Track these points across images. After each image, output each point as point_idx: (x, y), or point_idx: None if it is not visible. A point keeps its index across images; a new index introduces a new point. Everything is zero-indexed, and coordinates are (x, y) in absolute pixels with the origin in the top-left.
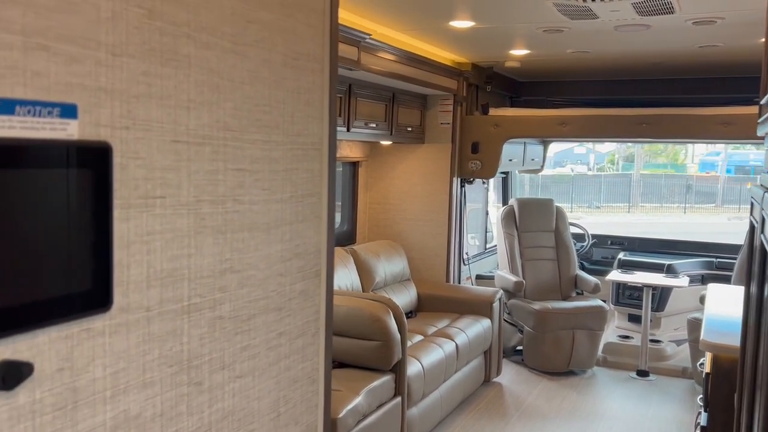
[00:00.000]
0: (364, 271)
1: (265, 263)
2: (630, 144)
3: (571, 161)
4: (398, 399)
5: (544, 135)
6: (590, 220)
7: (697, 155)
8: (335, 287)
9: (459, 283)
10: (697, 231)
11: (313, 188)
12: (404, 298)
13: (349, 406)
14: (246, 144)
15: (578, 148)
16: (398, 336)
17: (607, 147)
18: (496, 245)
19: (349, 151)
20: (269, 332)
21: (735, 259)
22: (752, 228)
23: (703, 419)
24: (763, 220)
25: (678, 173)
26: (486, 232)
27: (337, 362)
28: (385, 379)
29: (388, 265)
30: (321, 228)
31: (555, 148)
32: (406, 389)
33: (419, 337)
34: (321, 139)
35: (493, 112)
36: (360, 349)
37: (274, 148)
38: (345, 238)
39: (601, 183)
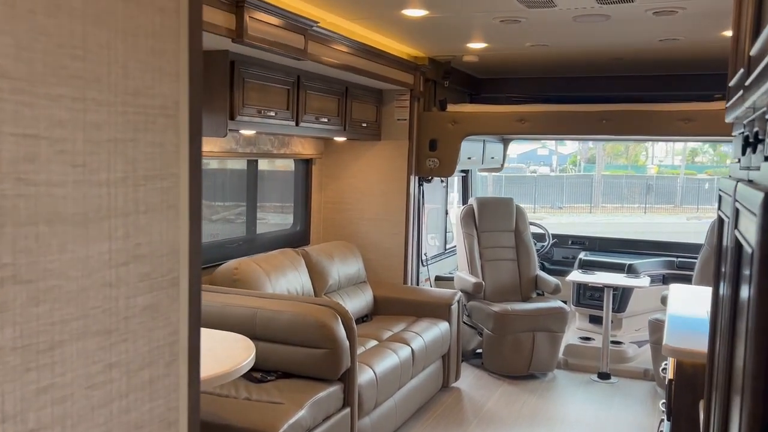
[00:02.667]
0: (316, 274)
1: (79, 269)
2: (591, 145)
3: (534, 162)
4: (347, 410)
5: (503, 132)
6: (553, 220)
7: (657, 157)
8: (283, 291)
9: (417, 284)
10: (657, 231)
11: (164, 168)
12: (359, 301)
13: (291, 421)
14: (40, 100)
15: (541, 149)
16: (347, 343)
17: (570, 148)
18: (455, 246)
19: (301, 147)
20: (90, 364)
21: (696, 258)
22: (721, 224)
23: (666, 428)
24: (737, 213)
25: (638, 174)
26: (446, 232)
27: (281, 372)
28: (333, 390)
29: (343, 267)
30: (179, 222)
31: (518, 149)
32: (357, 399)
33: (373, 342)
34: (176, 104)
35: (451, 108)
36: (305, 357)
37: (93, 110)
38: (298, 239)
39: (564, 184)
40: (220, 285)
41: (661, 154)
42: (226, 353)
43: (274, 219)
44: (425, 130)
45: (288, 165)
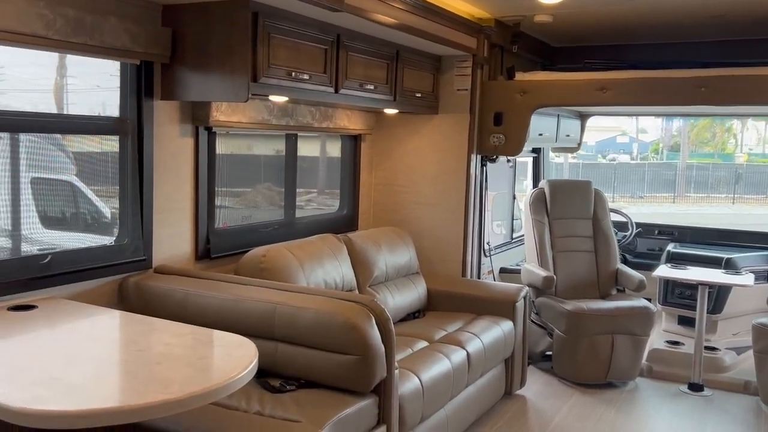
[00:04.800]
0: (359, 264)
1: None
2: (675, 132)
3: (613, 150)
4: (382, 429)
5: (580, 102)
6: (633, 210)
7: (747, 145)
8: (319, 283)
9: (478, 278)
10: (747, 222)
11: None
12: (410, 295)
13: None
14: None
15: (621, 137)
16: (382, 349)
17: (652, 136)
18: (524, 235)
19: (347, 121)
20: None
21: None
22: None
23: None
24: None
25: (726, 162)
26: (513, 219)
27: (303, 381)
28: (364, 405)
29: (391, 257)
30: None
31: (596, 136)
32: (396, 414)
33: (423, 344)
34: None
35: (519, 77)
36: (331, 364)
37: None
38: (344, 225)
39: (645, 172)
40: (246, 275)
41: (752, 141)
42: (218, 362)
43: (318, 201)
44: (489, 101)
45: (335, 150)
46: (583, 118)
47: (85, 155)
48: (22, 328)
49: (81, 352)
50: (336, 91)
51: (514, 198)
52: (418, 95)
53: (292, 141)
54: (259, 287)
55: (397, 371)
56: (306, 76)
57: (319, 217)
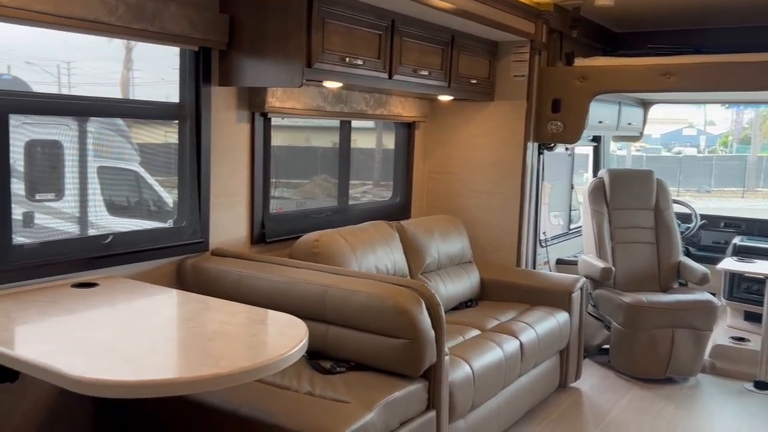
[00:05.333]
0: (411, 251)
1: None
2: (746, 124)
3: (679, 143)
4: (431, 414)
5: (642, 88)
6: (700, 204)
7: None
8: (371, 268)
9: (533, 268)
10: None
11: None
12: (462, 284)
13: (355, 426)
14: None
15: (687, 129)
16: (432, 333)
17: (720, 128)
18: (581, 226)
19: (401, 108)
20: None
21: None
22: None
23: None
24: None
25: None
26: (570, 210)
27: (353, 363)
28: (413, 389)
29: (444, 245)
30: None
31: (661, 129)
32: (446, 400)
33: (475, 332)
34: None
35: (579, 62)
36: (381, 348)
37: None
38: (397, 212)
39: (713, 166)
40: (299, 259)
41: None
42: (270, 340)
43: (373, 193)
44: (547, 88)
45: (390, 142)
46: (645, 106)
47: (148, 146)
48: (84, 304)
49: (138, 327)
50: (390, 77)
51: (572, 188)
52: (474, 81)
53: (346, 128)
54: (311, 270)
55: (447, 357)
56: (360, 62)
57: (372, 205)
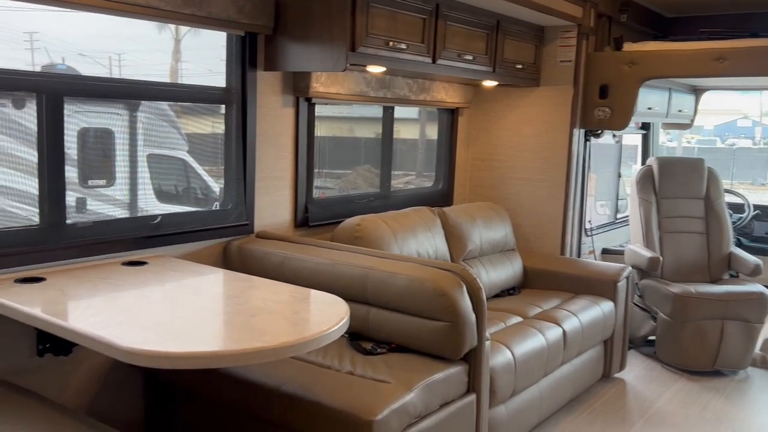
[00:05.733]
0: (453, 237)
1: None
2: None
3: (733, 135)
4: (472, 397)
5: (694, 73)
6: (753, 197)
7: None
8: (412, 254)
9: (578, 257)
10: None
11: None
12: (504, 271)
13: (395, 405)
14: None
15: (742, 120)
16: (472, 317)
17: None
18: (628, 216)
19: (444, 94)
20: None
21: None
22: None
23: None
24: None
25: None
26: (618, 199)
27: (394, 345)
28: (453, 372)
29: (486, 231)
30: None
31: (715, 120)
32: (487, 384)
33: (517, 319)
34: None
35: (627, 47)
36: (421, 330)
37: None
38: (439, 199)
39: None
40: (341, 243)
41: None
42: (312, 317)
43: (416, 184)
44: (595, 73)
45: (433, 132)
46: (697, 92)
47: (196, 136)
48: (134, 281)
49: (185, 303)
50: (433, 62)
51: (620, 177)
52: (519, 67)
53: (388, 114)
54: (353, 253)
55: (488, 342)
56: (403, 46)
57: (414, 191)
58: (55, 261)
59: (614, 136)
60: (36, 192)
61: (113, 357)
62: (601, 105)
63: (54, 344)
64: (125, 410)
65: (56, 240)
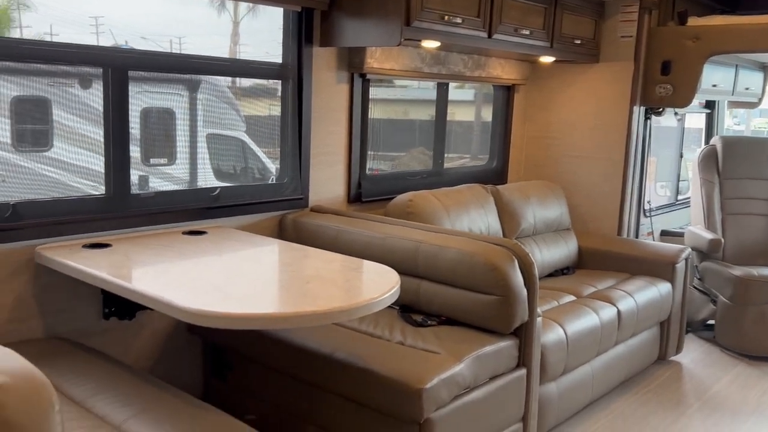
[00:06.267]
0: (506, 215)
1: None
2: None
3: None
4: (522, 371)
5: (762, 49)
6: None
7: None
8: (463, 230)
9: (636, 238)
10: None
11: None
12: (559, 251)
13: (444, 375)
14: None
15: None
16: (524, 292)
17: None
18: (690, 197)
19: (500, 70)
20: None
21: None
22: None
23: None
24: None
25: None
26: (679, 179)
27: (444, 318)
28: (503, 345)
29: (541, 210)
30: None
31: None
32: (538, 360)
33: (570, 298)
34: None
35: (692, 22)
36: (472, 303)
37: None
38: (493, 177)
39: None
40: (393, 218)
41: None
42: (363, 285)
43: (468, 163)
44: (657, 49)
45: (488, 114)
46: (766, 70)
47: (254, 117)
48: (194, 249)
49: (242, 269)
50: (489, 36)
51: (681, 157)
52: (578, 42)
53: (443, 90)
54: (405, 227)
55: (539, 318)
56: (459, 20)
57: (467, 169)
58: (120, 229)
59: (676, 114)
60: (102, 169)
61: (175, 317)
62: (663, 82)
63: (119, 308)
64: (184, 374)
65: (121, 208)
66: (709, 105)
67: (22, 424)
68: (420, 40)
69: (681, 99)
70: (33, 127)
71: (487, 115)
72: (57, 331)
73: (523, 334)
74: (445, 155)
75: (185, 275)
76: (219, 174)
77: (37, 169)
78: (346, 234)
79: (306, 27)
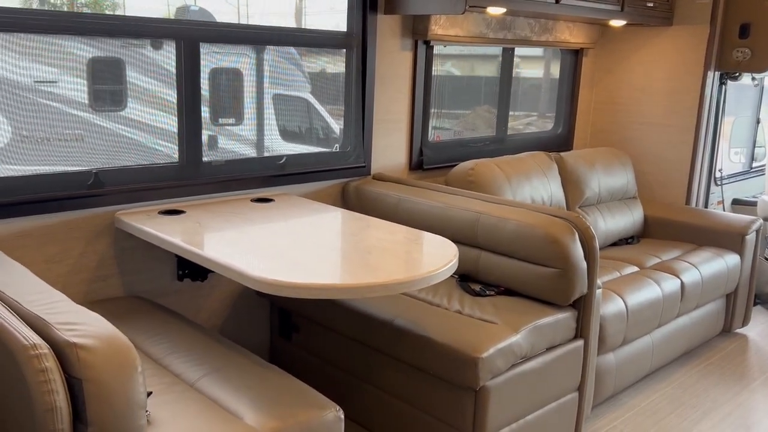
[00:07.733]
0: (570, 183)
1: None
2: None
3: None
4: (579, 342)
5: None
6: None
7: None
8: (526, 199)
9: (705, 207)
10: None
11: None
12: (623, 220)
13: (501, 345)
14: None
15: None
16: (584, 264)
17: None
18: (765, 164)
19: (568, 34)
20: None
21: None
22: None
23: None
24: None
25: None
26: (755, 146)
27: (502, 288)
28: (561, 317)
29: (606, 178)
30: None
31: None
32: (596, 332)
33: (632, 269)
34: None
35: None
36: (531, 275)
37: None
38: (558, 144)
39: None
40: (454, 186)
41: None
42: (423, 257)
43: (537, 125)
44: (735, 11)
45: (557, 71)
46: None
47: (318, 75)
48: (262, 216)
49: (307, 238)
50: (557, 1)
51: (758, 122)
52: (650, 5)
53: (508, 56)
54: (466, 197)
55: (599, 290)
56: None
57: (531, 136)
58: (192, 195)
59: (753, 79)
60: (171, 129)
61: (243, 284)
62: (741, 45)
63: (192, 270)
64: (252, 333)
65: (194, 176)
66: None
67: (108, 383)
68: (485, 7)
69: (760, 64)
70: (108, 87)
71: (556, 71)
72: (135, 290)
73: (581, 306)
74: (511, 113)
75: (254, 242)
76: (285, 134)
77: (112, 128)
78: (407, 203)
79: None
